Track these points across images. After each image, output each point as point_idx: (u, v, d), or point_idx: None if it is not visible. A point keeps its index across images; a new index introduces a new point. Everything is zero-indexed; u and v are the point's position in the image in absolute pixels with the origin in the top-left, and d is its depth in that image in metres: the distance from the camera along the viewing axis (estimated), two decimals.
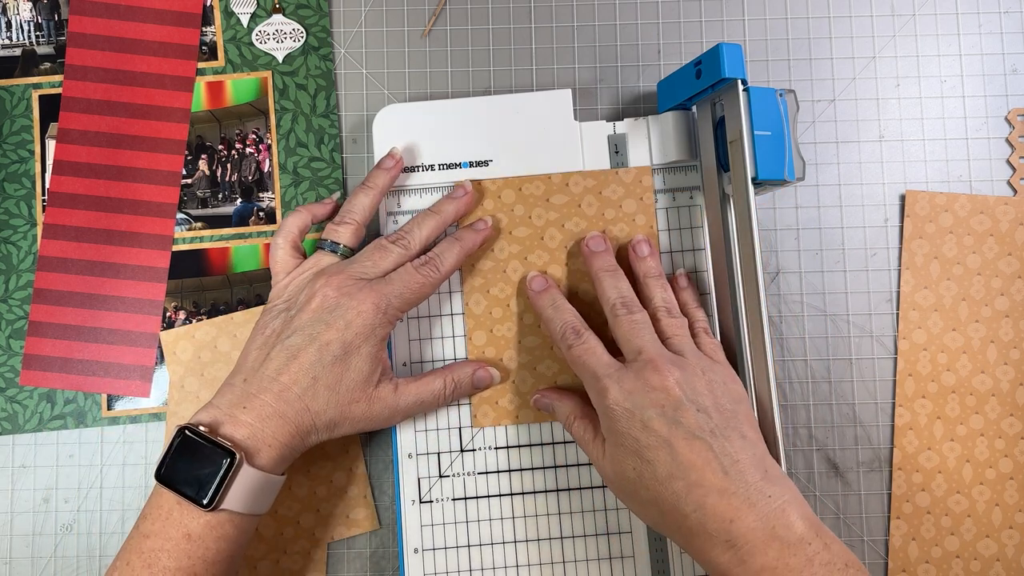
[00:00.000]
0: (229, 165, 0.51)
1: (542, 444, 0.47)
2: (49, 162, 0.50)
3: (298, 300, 0.42)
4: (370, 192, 0.45)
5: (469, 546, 0.46)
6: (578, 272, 0.47)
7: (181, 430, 0.39)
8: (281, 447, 0.40)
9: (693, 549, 0.37)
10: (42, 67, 0.51)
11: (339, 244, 0.44)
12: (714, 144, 0.46)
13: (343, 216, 0.45)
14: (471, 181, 0.47)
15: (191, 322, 0.50)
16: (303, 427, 0.40)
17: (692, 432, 0.37)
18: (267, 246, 0.50)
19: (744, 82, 0.43)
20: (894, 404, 0.49)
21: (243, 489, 0.38)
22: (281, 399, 0.40)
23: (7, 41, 0.51)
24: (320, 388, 0.40)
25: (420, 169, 0.48)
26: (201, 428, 0.39)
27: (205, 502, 0.38)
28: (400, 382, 0.44)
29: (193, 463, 0.38)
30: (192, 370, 0.48)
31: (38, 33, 0.51)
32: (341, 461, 0.48)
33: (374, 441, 0.49)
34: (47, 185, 0.50)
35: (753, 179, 0.43)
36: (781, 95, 0.44)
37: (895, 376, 0.49)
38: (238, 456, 0.38)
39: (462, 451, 0.47)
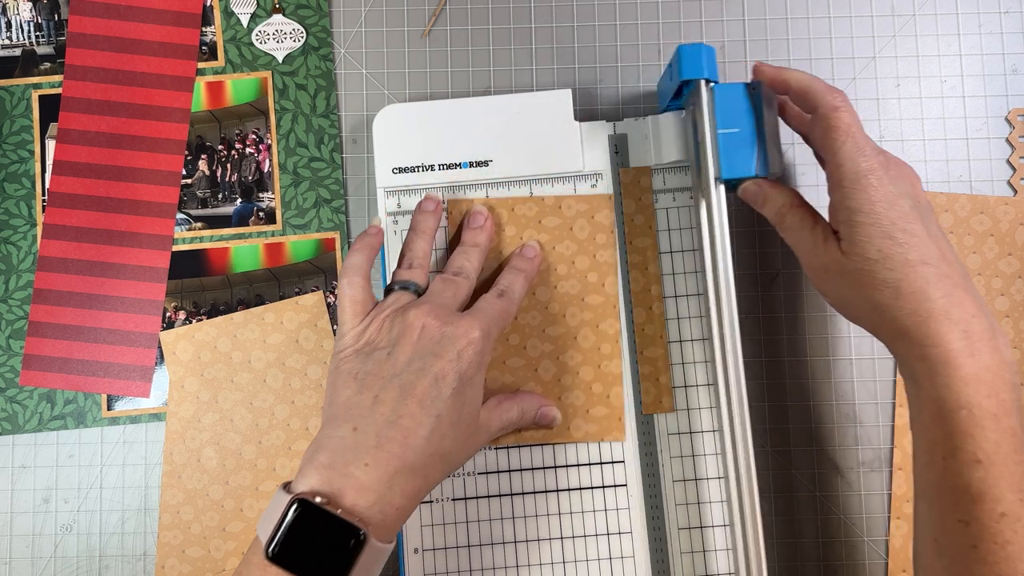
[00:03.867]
0: (229, 165, 0.51)
1: (542, 444, 0.47)
2: (49, 162, 0.50)
3: (392, 336, 0.39)
4: (425, 236, 0.45)
5: (469, 546, 0.46)
6: (567, 296, 0.47)
7: (297, 502, 0.34)
8: (408, 508, 0.36)
9: (921, 333, 0.36)
10: (42, 67, 0.51)
11: (416, 283, 0.43)
12: (694, 144, 0.46)
13: (411, 260, 0.44)
14: (481, 204, 0.47)
15: (191, 322, 0.50)
16: (432, 478, 0.37)
17: (941, 232, 0.39)
18: (267, 246, 0.50)
19: (710, 81, 0.42)
20: (894, 404, 0.49)
21: (364, 568, 0.34)
22: (407, 447, 0.36)
23: (7, 41, 0.51)
24: (445, 427, 0.37)
25: (420, 169, 0.48)
26: (318, 500, 0.34)
27: None
28: (484, 406, 0.42)
29: (313, 542, 0.33)
30: (192, 370, 0.48)
31: (38, 33, 0.51)
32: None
33: None
34: (47, 185, 0.50)
35: (717, 178, 0.43)
36: (755, 88, 0.43)
37: (895, 376, 0.49)
38: (362, 533, 0.33)
39: None
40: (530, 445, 0.47)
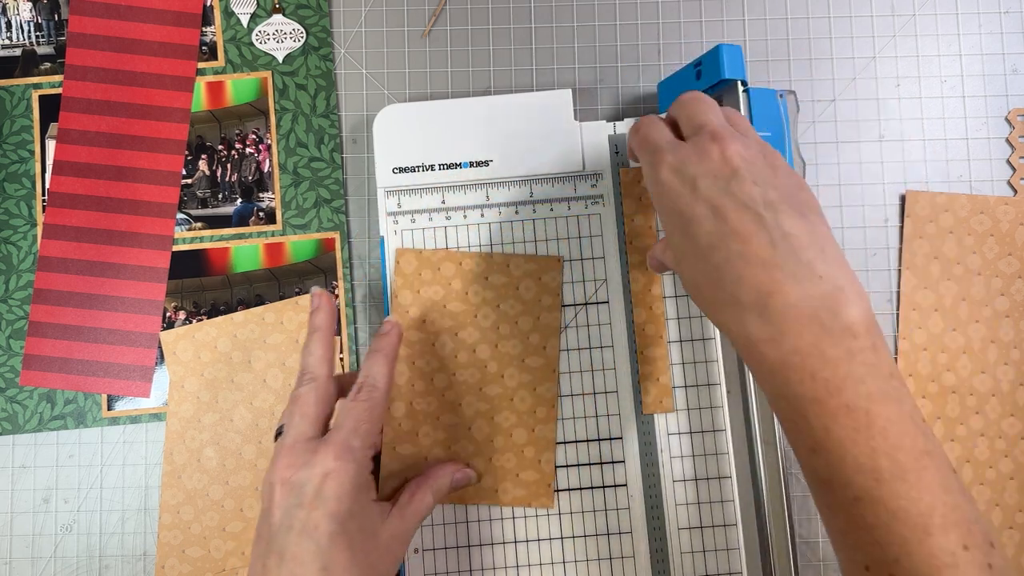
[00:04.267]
0: (229, 165, 0.51)
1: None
2: (49, 162, 0.50)
3: (266, 494, 0.38)
4: (318, 338, 0.42)
5: (469, 546, 0.46)
6: (507, 356, 0.46)
7: None
8: None
9: (730, 323, 0.33)
10: (42, 67, 0.51)
11: (284, 424, 0.39)
12: None
13: (300, 375, 0.41)
14: (390, 322, 0.44)
15: (191, 322, 0.50)
16: None
17: (743, 203, 0.33)
18: (267, 246, 0.50)
19: (744, 83, 0.43)
20: None
21: None
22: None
23: (7, 41, 0.51)
24: (340, 572, 0.35)
25: (420, 169, 0.48)
26: None
27: None
28: (395, 509, 0.40)
29: None
30: (192, 370, 0.48)
31: (38, 33, 0.51)
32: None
33: None
34: (47, 185, 0.50)
35: None
36: (781, 96, 0.44)
37: None
38: None
39: None
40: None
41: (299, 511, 0.36)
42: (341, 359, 0.50)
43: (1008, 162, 0.50)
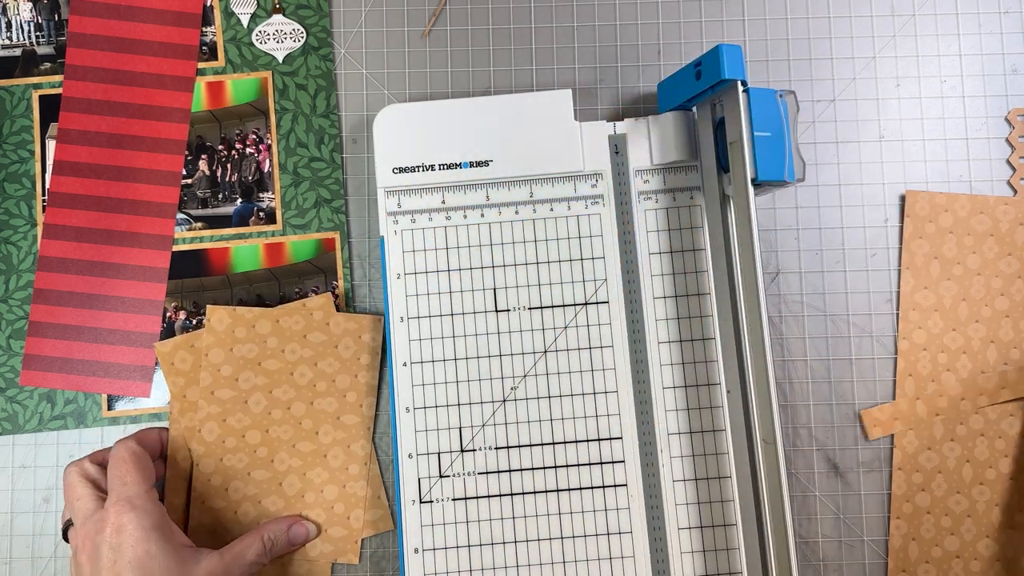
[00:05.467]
0: (229, 165, 0.51)
1: (542, 444, 0.47)
2: (49, 162, 0.50)
3: None
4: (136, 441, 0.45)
5: (469, 546, 0.46)
6: (322, 413, 0.47)
7: None
8: None
9: None
10: (42, 67, 0.51)
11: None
12: (714, 145, 0.46)
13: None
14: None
15: (192, 323, 0.50)
16: None
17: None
18: (267, 246, 0.50)
19: (744, 83, 0.43)
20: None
21: None
22: None
23: (7, 41, 0.51)
24: None
25: (420, 169, 0.48)
26: None
27: None
28: (219, 550, 0.43)
29: None
30: (193, 380, 0.48)
31: (38, 33, 0.51)
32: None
33: (374, 436, 0.49)
34: (47, 185, 0.50)
35: (753, 180, 0.43)
36: (781, 96, 0.44)
37: (894, 376, 0.49)
38: None
39: (462, 451, 0.47)
40: (530, 445, 0.47)
41: (104, 572, 0.39)
42: None
43: (1008, 162, 0.50)
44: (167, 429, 0.48)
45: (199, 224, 0.50)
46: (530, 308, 0.48)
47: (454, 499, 0.46)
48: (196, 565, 0.41)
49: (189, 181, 0.51)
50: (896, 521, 0.48)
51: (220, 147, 0.51)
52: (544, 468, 0.47)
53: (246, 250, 0.50)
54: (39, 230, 0.50)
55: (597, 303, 0.48)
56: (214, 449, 0.47)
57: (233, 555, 0.43)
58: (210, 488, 0.47)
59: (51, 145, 0.50)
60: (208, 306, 0.47)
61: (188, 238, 0.50)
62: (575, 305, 0.48)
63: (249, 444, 0.47)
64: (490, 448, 0.47)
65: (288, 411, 0.47)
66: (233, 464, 0.47)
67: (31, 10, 0.51)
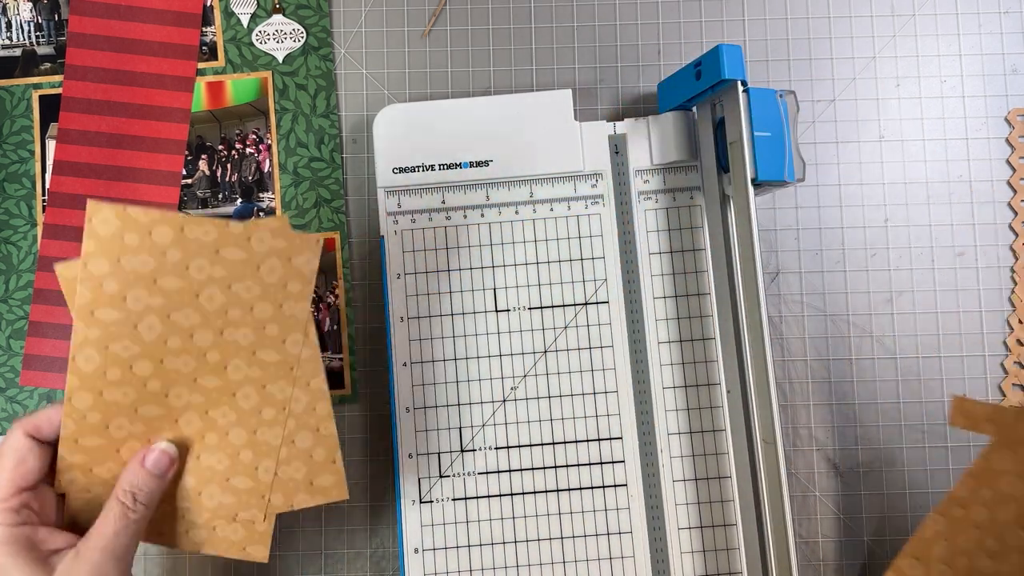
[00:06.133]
0: (229, 165, 0.51)
1: (542, 444, 0.47)
2: (49, 162, 0.50)
3: None
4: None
5: (469, 546, 0.46)
6: (234, 346, 0.38)
7: None
8: None
9: None
10: (42, 67, 0.51)
11: None
12: (714, 145, 0.46)
13: None
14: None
15: None
16: None
17: None
18: None
19: (744, 83, 0.43)
20: (898, 403, 0.49)
21: None
22: None
23: (7, 41, 0.51)
24: None
25: (420, 169, 0.48)
26: None
27: None
28: (71, 552, 0.36)
29: None
30: (108, 251, 0.36)
31: (38, 33, 0.51)
32: (306, 420, 0.40)
33: (374, 436, 0.49)
34: (47, 185, 0.50)
35: (753, 180, 0.43)
36: (781, 96, 0.44)
37: (898, 376, 0.49)
38: None
39: (462, 451, 0.47)
40: (530, 445, 0.47)
41: None
42: (340, 359, 0.50)
43: (1008, 162, 0.50)
44: None
45: None
46: (530, 308, 0.48)
47: (454, 499, 0.47)
48: (53, 557, 0.36)
49: (189, 181, 0.51)
50: (937, 516, 0.42)
51: (220, 147, 0.51)
52: (544, 468, 0.47)
53: None
54: (39, 230, 0.50)
55: (597, 303, 0.48)
56: (92, 381, 0.37)
57: (91, 543, 0.36)
58: (86, 426, 0.38)
59: (51, 145, 0.50)
60: (89, 200, 0.35)
61: None
62: (575, 305, 0.48)
63: (137, 375, 0.38)
64: (490, 448, 0.47)
65: (190, 340, 0.38)
66: (116, 398, 0.38)
67: (31, 10, 0.51)
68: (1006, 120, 0.51)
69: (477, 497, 0.47)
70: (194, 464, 0.40)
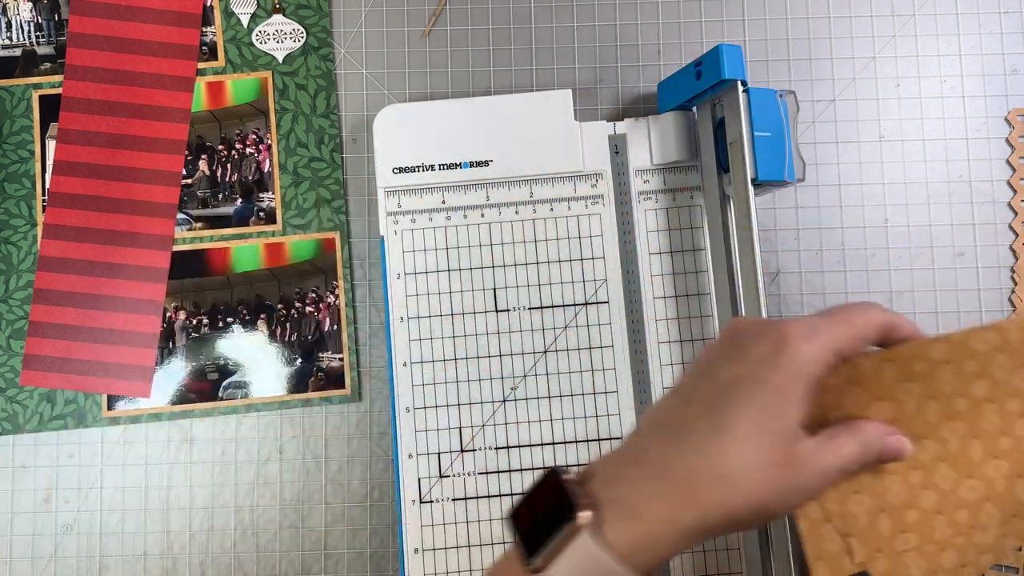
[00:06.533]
0: (229, 165, 0.51)
1: (542, 444, 0.47)
2: (49, 162, 0.50)
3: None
4: None
5: (469, 546, 0.46)
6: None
7: (551, 471, 0.31)
8: (654, 524, 0.28)
9: None
10: (42, 67, 0.51)
11: None
12: (714, 145, 0.46)
13: None
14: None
15: (192, 322, 0.50)
16: (700, 501, 0.28)
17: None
18: (267, 246, 0.50)
19: (744, 83, 0.43)
20: None
21: (576, 566, 0.28)
22: (671, 450, 0.29)
23: (7, 41, 0.51)
24: (727, 440, 0.29)
25: (420, 169, 0.48)
26: (569, 474, 0.30)
27: (528, 559, 0.29)
28: (809, 439, 0.30)
29: (539, 512, 0.30)
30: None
31: (38, 33, 0.51)
32: None
33: (374, 436, 0.49)
34: (47, 185, 0.50)
35: (753, 180, 0.43)
36: (781, 96, 0.44)
37: None
38: (579, 519, 0.28)
39: (462, 451, 0.47)
40: (530, 445, 0.47)
41: (727, 366, 0.31)
42: (340, 359, 0.50)
43: (1008, 162, 0.50)
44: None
45: (199, 224, 0.50)
46: (530, 308, 0.48)
47: (454, 499, 0.46)
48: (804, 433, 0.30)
49: (189, 181, 0.51)
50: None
51: (220, 147, 0.51)
52: (544, 468, 0.47)
53: (246, 250, 0.50)
54: (39, 230, 0.50)
55: (597, 303, 0.48)
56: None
57: (837, 444, 0.31)
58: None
59: (51, 145, 0.50)
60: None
61: (188, 238, 0.50)
62: (575, 305, 0.48)
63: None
64: (490, 448, 0.47)
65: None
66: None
67: (31, 10, 0.51)
68: (1006, 120, 0.51)
69: (477, 497, 0.47)
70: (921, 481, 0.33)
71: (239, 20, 0.51)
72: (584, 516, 0.28)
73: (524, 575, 0.29)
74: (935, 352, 0.32)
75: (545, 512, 0.29)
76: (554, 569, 0.28)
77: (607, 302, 0.48)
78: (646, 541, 0.28)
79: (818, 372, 0.30)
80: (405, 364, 0.47)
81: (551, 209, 0.48)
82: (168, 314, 0.50)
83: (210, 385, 0.49)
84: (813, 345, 0.30)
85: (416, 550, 0.46)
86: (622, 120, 0.49)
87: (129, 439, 0.49)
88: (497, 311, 0.48)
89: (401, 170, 0.48)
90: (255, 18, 0.51)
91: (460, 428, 0.47)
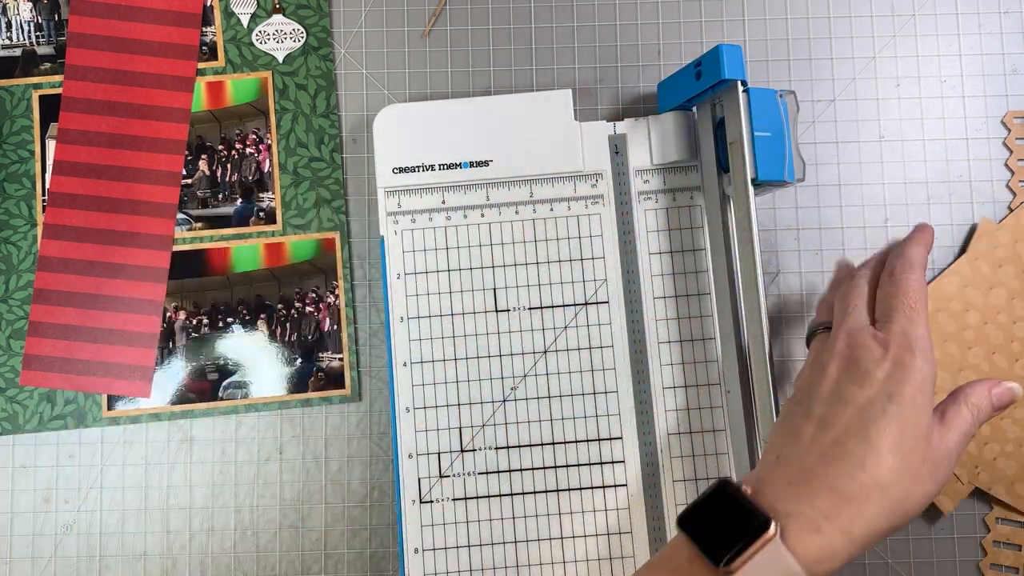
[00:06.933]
0: (229, 165, 0.51)
1: (542, 444, 0.47)
2: (49, 162, 0.50)
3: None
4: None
5: (469, 546, 0.46)
6: None
7: (721, 483, 0.34)
8: (830, 536, 0.32)
9: None
10: (42, 67, 0.51)
11: None
12: (714, 145, 0.46)
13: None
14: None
15: (191, 322, 0.50)
16: (866, 513, 0.33)
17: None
18: (267, 246, 0.50)
19: (744, 83, 0.43)
20: None
21: (765, 572, 0.32)
22: (827, 460, 0.34)
23: (7, 41, 0.51)
24: (882, 454, 0.33)
25: (420, 169, 0.48)
26: (744, 489, 0.34)
27: (718, 563, 0.32)
28: (934, 428, 0.36)
29: (718, 519, 0.33)
30: None
31: (38, 33, 0.51)
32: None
33: (374, 436, 0.49)
34: (47, 185, 0.50)
35: (753, 180, 0.43)
36: (781, 96, 0.44)
37: None
38: (773, 527, 0.32)
39: (462, 451, 0.47)
40: (530, 445, 0.47)
41: (865, 387, 0.35)
42: (340, 359, 0.50)
43: (1006, 165, 0.50)
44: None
45: (199, 224, 0.50)
46: (530, 308, 0.48)
47: (454, 499, 0.47)
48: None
49: (189, 181, 0.51)
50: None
51: (220, 147, 0.51)
52: (544, 468, 0.47)
53: (246, 250, 0.50)
54: (39, 230, 0.50)
55: (597, 303, 0.48)
56: None
57: (959, 421, 0.36)
58: None
59: (51, 145, 0.50)
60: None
61: (188, 238, 0.50)
62: (575, 305, 0.48)
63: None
64: (490, 448, 0.47)
65: None
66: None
67: (31, 10, 0.51)
68: (1002, 123, 0.51)
69: (477, 497, 0.47)
70: None
71: (239, 20, 0.51)
72: (775, 527, 0.32)
73: (714, 574, 0.32)
74: None
75: (726, 520, 0.33)
76: (744, 570, 0.32)
77: (607, 302, 0.48)
78: (826, 552, 0.32)
79: (932, 372, 0.35)
80: (405, 364, 0.47)
81: (551, 209, 0.48)
82: (168, 314, 0.50)
83: (210, 385, 0.49)
84: (922, 357, 0.35)
85: (416, 550, 0.46)
86: (622, 120, 0.49)
87: (129, 439, 0.49)
88: (497, 311, 0.48)
89: (401, 170, 0.48)
90: (255, 18, 0.51)
91: (460, 428, 0.47)
